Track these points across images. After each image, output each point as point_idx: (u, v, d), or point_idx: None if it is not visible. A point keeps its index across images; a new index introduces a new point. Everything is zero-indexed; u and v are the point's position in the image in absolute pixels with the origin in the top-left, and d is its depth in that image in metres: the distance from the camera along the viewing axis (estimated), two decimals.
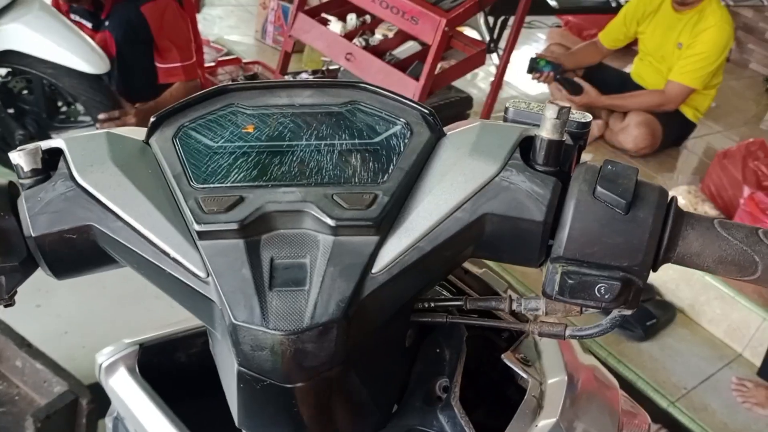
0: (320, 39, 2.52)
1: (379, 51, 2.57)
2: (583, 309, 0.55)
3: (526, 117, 0.55)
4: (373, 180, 0.51)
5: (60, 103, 2.51)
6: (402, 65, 2.57)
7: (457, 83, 2.97)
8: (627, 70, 3.94)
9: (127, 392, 0.81)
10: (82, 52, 2.17)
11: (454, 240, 0.50)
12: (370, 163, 0.52)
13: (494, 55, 3.34)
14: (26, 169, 0.51)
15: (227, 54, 3.83)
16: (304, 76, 2.92)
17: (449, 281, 0.75)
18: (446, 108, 2.87)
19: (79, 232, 0.51)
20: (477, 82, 3.99)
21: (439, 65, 2.41)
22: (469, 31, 3.38)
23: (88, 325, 2.10)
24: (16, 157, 0.51)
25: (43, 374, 1.61)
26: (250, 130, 0.54)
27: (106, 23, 2.57)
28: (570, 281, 0.49)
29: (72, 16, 2.74)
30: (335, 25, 2.57)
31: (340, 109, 0.55)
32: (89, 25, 2.68)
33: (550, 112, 0.49)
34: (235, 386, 0.52)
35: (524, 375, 0.66)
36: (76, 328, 2.09)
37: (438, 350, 0.64)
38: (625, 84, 3.71)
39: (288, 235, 0.50)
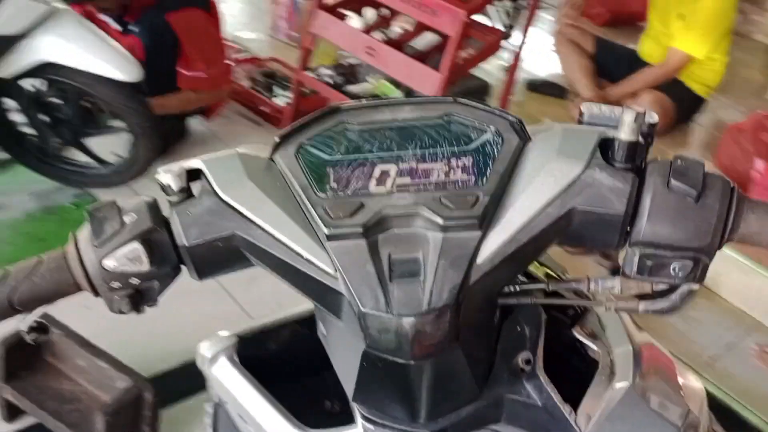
0: (340, 34, 2.59)
1: (398, 43, 2.63)
2: (654, 287, 0.63)
3: (601, 119, 0.62)
4: (474, 183, 0.58)
5: (93, 111, 2.58)
6: (422, 57, 2.64)
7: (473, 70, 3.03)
8: (633, 47, 3.97)
9: (229, 379, 0.89)
10: (116, 60, 2.24)
11: (546, 232, 0.57)
12: (470, 168, 0.59)
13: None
14: (175, 188, 0.59)
15: (243, 52, 3.89)
16: (324, 71, 2.98)
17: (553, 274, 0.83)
18: (466, 95, 2.92)
19: (224, 240, 0.59)
20: (486, 67, 4.05)
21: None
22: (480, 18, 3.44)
23: (136, 321, 2.17)
24: (165, 178, 0.59)
25: (106, 371, 1.69)
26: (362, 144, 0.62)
27: (134, 28, 2.64)
28: (648, 262, 0.58)
29: (99, 15, 2.81)
30: (353, 20, 2.64)
31: (437, 121, 0.63)
32: (117, 27, 2.76)
33: (629, 117, 0.57)
34: (357, 365, 0.60)
35: (593, 346, 0.74)
36: (125, 324, 2.16)
37: (519, 328, 0.71)
38: (634, 63, 3.75)
39: (402, 234, 0.57)
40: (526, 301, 0.67)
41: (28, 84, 2.39)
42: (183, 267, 0.62)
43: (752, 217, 0.57)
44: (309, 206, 0.58)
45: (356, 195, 0.58)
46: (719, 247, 0.58)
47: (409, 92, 2.61)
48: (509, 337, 0.71)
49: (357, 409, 0.70)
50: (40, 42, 2.15)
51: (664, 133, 3.78)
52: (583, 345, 0.77)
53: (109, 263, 0.58)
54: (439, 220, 0.56)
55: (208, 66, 2.71)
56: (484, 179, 0.58)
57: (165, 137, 2.59)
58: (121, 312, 0.61)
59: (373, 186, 0.59)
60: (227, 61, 2.96)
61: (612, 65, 3.68)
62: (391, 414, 0.67)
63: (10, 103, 2.45)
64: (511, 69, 2.69)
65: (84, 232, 0.60)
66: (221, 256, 0.60)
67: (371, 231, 0.57)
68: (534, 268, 0.88)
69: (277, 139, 0.62)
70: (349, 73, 2.97)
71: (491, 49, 2.59)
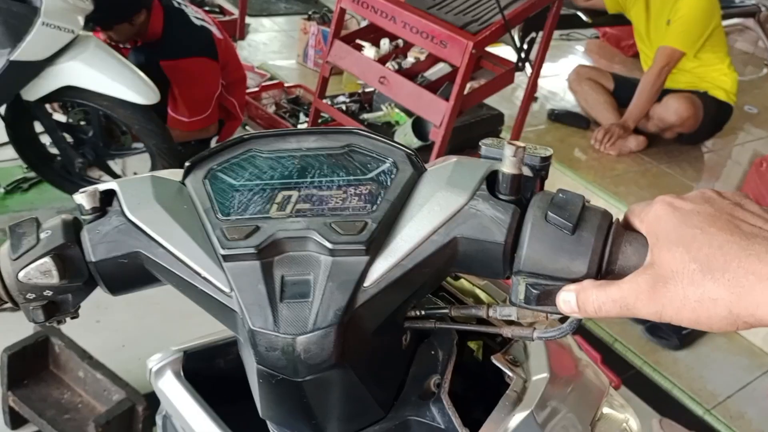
0: (355, 64, 2.65)
1: (411, 73, 2.68)
2: (549, 315, 0.65)
3: (495, 153, 0.65)
4: (364, 210, 0.62)
5: (115, 133, 2.69)
6: (433, 87, 2.68)
7: (494, 100, 3.06)
8: None
9: (173, 393, 0.92)
10: (135, 85, 2.33)
11: (431, 259, 0.60)
12: (362, 196, 0.63)
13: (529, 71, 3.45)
14: (87, 207, 0.64)
15: (271, 79, 4.00)
16: (341, 98, 3.05)
17: (450, 293, 0.86)
18: (478, 125, 2.96)
19: (129, 257, 0.63)
20: (514, 99, 4.07)
21: (469, 85, 2.51)
22: (504, 48, 3.48)
23: (144, 339, 2.24)
24: (79, 198, 0.64)
25: (103, 383, 1.76)
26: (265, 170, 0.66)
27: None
28: (530, 290, 0.60)
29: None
30: (369, 50, 2.70)
31: (339, 151, 0.66)
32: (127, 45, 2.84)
33: (509, 151, 0.59)
34: (257, 382, 0.64)
35: (510, 373, 0.76)
36: (133, 341, 2.24)
37: (432, 352, 0.74)
38: None
39: (296, 257, 0.61)
40: (430, 326, 0.70)
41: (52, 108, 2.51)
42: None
43: (629, 250, 0.59)
44: (209, 228, 0.62)
45: (254, 219, 0.62)
46: (600, 278, 0.60)
47: (418, 119, 2.66)
48: (423, 361, 0.74)
49: (270, 427, 0.73)
50: (65, 67, 2.26)
51: (690, 161, 3.76)
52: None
53: (23, 276, 0.63)
54: (328, 245, 0.59)
55: (191, 114, 2.78)
56: (375, 207, 0.62)
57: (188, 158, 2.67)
58: (36, 322, 0.65)
59: (273, 211, 0.63)
60: (242, 84, 3.04)
61: (631, 97, 3.69)
62: (298, 431, 0.70)
63: (37, 125, 2.57)
64: (524, 100, 2.72)
65: (4, 247, 0.65)
66: (128, 273, 0.64)
67: (265, 253, 0.60)
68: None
69: (188, 164, 0.66)
70: (364, 101, 3.02)
71: (503, 80, 2.62)
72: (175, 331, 2.23)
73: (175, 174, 0.67)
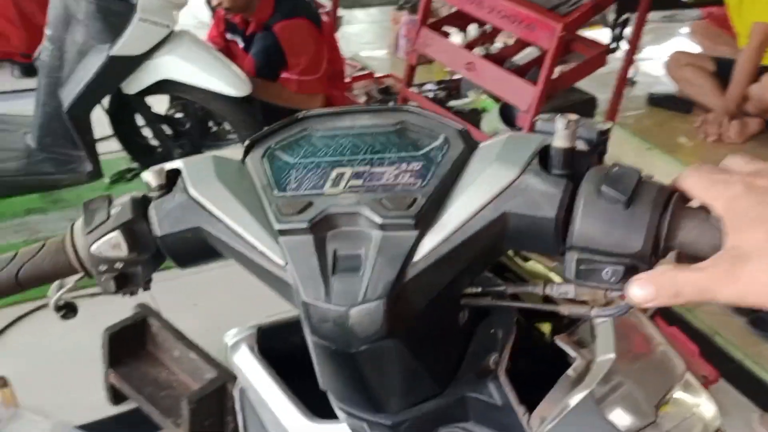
0: (442, 51, 2.64)
1: (499, 59, 2.64)
2: (606, 294, 0.63)
3: (550, 128, 0.64)
4: (415, 186, 0.62)
5: (210, 124, 2.81)
6: (520, 71, 2.63)
7: (589, 85, 2.97)
8: None
9: (248, 367, 0.96)
10: (228, 78, 2.42)
11: (481, 234, 0.60)
12: (413, 172, 0.63)
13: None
14: (154, 184, 0.67)
15: (362, 69, 4.05)
16: (429, 86, 3.05)
17: (513, 272, 0.84)
18: (568, 110, 2.87)
19: (192, 232, 0.66)
20: (610, 83, 3.94)
21: (558, 69, 2.45)
22: (599, 31, 3.38)
23: (238, 324, 2.33)
24: (147, 176, 0.67)
25: (197, 363, 1.84)
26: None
27: (251, 49, 2.86)
28: (582, 267, 0.58)
29: (228, 35, 3.07)
30: (456, 37, 2.68)
31: (391, 129, 0.67)
32: (241, 45, 3.00)
33: (560, 124, 0.58)
34: (314, 354, 0.65)
35: (573, 353, 0.74)
36: (227, 325, 2.32)
37: (492, 331, 0.73)
38: None
39: (348, 232, 0.62)
40: (486, 303, 0.69)
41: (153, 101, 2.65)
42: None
43: (690, 226, 0.56)
44: (266, 203, 0.64)
45: (308, 195, 0.63)
46: (658, 254, 0.57)
47: (505, 105, 2.62)
48: (481, 340, 0.73)
49: (331, 399, 0.74)
50: (161, 61, 2.37)
51: None
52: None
53: (95, 249, 0.67)
54: (378, 219, 0.60)
55: (301, 73, 2.89)
56: (425, 182, 0.62)
57: None
58: (108, 292, 0.69)
59: (327, 187, 0.64)
60: (340, 73, 3.11)
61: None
62: (352, 404, 0.71)
63: (138, 118, 2.71)
64: (618, 83, 2.62)
65: (79, 222, 0.69)
66: (192, 247, 0.67)
67: (318, 227, 0.61)
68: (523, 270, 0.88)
69: (247, 143, 0.68)
70: (452, 89, 3.00)
71: (594, 63, 2.54)
72: (267, 313, 2.30)
73: (235, 153, 0.70)
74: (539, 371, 0.82)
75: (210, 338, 1.93)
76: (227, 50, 3.01)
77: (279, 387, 0.94)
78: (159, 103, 2.81)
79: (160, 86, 2.44)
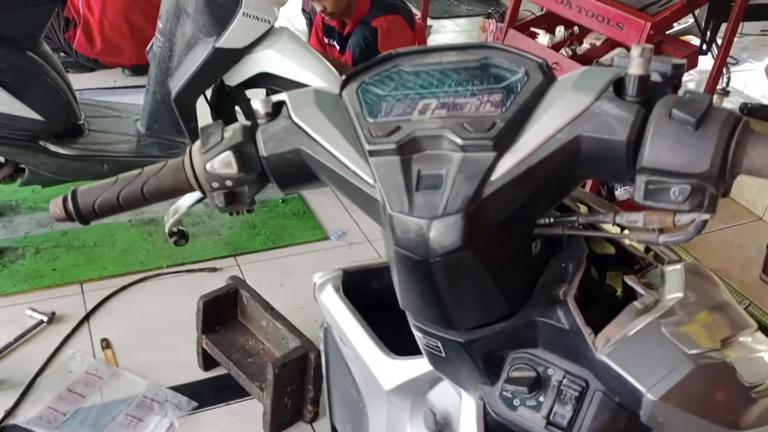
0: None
1: (586, 59, 2.66)
2: (675, 220, 0.67)
3: (627, 64, 0.68)
4: (494, 112, 0.68)
5: None
6: None
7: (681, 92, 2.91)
8: None
9: (332, 306, 1.04)
10: (322, 72, 2.53)
11: (555, 156, 0.65)
12: (494, 102, 0.69)
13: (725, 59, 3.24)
14: (262, 112, 0.77)
15: None
16: None
17: (591, 208, 0.88)
18: None
19: (293, 153, 0.75)
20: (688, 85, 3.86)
21: None
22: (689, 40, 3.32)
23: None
24: (256, 104, 0.76)
25: (282, 332, 1.94)
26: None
27: (348, 43, 3.00)
28: (650, 187, 0.62)
29: (326, 40, 3.23)
30: (543, 38, 2.72)
31: (475, 64, 0.73)
32: (338, 48, 3.15)
33: (635, 52, 0.63)
34: (396, 269, 0.72)
35: (642, 291, 0.78)
36: (311, 304, 2.42)
37: (563, 264, 0.78)
38: None
39: (432, 155, 0.69)
40: (558, 232, 0.74)
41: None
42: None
43: (755, 153, 0.59)
44: (359, 128, 0.72)
45: (396, 120, 0.71)
46: (725, 176, 0.60)
47: None
48: (553, 271, 0.78)
49: (408, 318, 0.81)
50: (261, 55, 2.51)
51: None
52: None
53: (209, 167, 0.76)
54: (459, 141, 0.67)
55: None
56: (504, 109, 0.68)
57: None
58: (218, 208, 0.79)
59: (415, 115, 0.71)
60: None
61: None
62: (428, 319, 0.77)
63: (238, 109, 2.87)
64: (707, 87, 2.58)
65: (196, 144, 0.79)
66: (293, 168, 0.76)
67: (405, 149, 0.69)
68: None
69: (344, 78, 0.77)
70: None
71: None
72: None
73: (334, 88, 0.78)
74: (607, 312, 0.86)
75: (293, 316, 2.03)
76: (325, 55, 3.15)
77: (361, 326, 1.01)
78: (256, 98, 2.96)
79: (259, 79, 2.58)
